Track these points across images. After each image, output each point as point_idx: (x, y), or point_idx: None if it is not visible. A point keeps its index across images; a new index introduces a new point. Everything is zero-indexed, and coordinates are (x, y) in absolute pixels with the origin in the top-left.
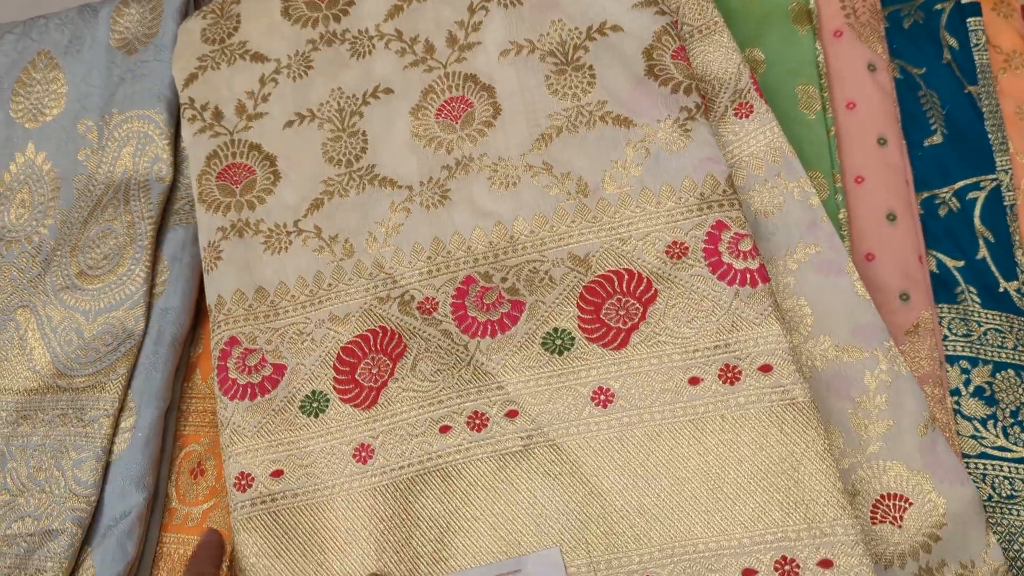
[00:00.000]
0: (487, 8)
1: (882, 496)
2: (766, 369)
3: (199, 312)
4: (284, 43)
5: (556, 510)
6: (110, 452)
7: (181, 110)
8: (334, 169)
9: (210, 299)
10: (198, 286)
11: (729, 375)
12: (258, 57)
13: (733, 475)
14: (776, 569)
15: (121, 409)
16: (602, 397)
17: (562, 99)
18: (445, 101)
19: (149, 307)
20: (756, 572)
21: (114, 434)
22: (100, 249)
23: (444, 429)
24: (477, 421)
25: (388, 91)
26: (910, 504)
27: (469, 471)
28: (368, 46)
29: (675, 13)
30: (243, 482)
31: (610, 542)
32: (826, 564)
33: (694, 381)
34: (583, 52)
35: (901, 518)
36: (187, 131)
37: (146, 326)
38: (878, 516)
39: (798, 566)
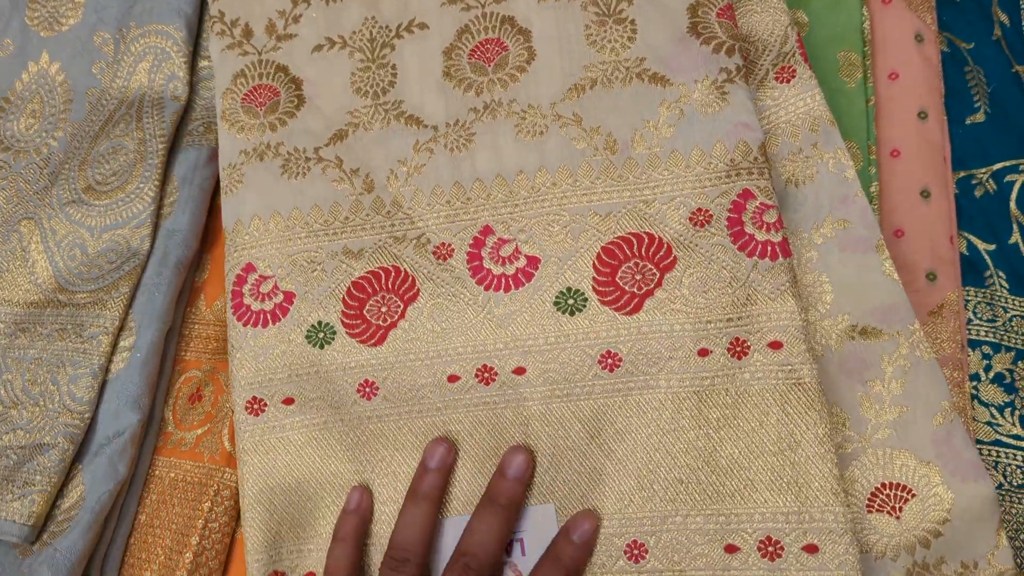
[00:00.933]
0: None
1: (883, 484)
2: (776, 346)
3: (206, 237)
4: None
5: (554, 467)
6: (107, 371)
7: (210, 23)
8: (361, 100)
9: (227, 222)
10: (208, 210)
11: (738, 349)
12: None
13: (729, 450)
14: (759, 549)
15: (121, 328)
16: (609, 361)
17: (600, 51)
18: (480, 43)
19: (156, 227)
20: (739, 549)
21: (112, 352)
22: (109, 165)
23: (452, 378)
24: (486, 374)
25: (423, 26)
26: (912, 495)
27: (471, 421)
28: None
29: None
30: (255, 407)
31: (604, 506)
32: (811, 549)
33: (703, 353)
34: (627, 4)
35: (900, 509)
36: (215, 46)
37: (151, 246)
38: (875, 505)
39: (782, 548)
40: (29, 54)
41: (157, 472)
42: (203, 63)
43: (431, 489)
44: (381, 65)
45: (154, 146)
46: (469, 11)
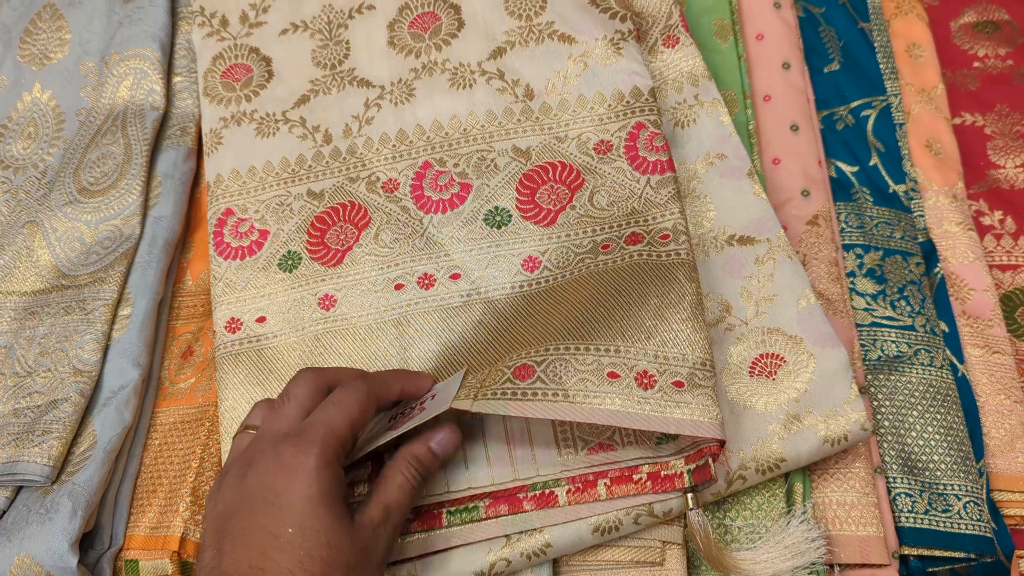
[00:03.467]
0: None
1: (761, 355)
2: (664, 237)
3: (189, 223)
4: None
5: (479, 350)
6: (109, 336)
7: (191, 16)
8: (320, 71)
9: (209, 177)
10: (188, 199)
11: (634, 239)
12: None
13: (623, 301)
14: (637, 380)
15: (119, 301)
16: (531, 264)
17: (517, 19)
18: (417, 16)
19: (144, 216)
20: (619, 377)
21: (113, 320)
22: (100, 168)
23: (398, 287)
24: (426, 281)
25: (371, 7)
26: (784, 361)
27: (417, 321)
28: None
29: None
30: (233, 325)
31: (506, 355)
32: (678, 385)
33: (605, 247)
34: None
35: (775, 373)
36: (197, 35)
37: (141, 232)
38: (755, 371)
39: (655, 381)
40: (23, 86)
41: (159, 420)
42: (176, 78)
43: (381, 395)
44: (337, 42)
45: (139, 148)
46: None
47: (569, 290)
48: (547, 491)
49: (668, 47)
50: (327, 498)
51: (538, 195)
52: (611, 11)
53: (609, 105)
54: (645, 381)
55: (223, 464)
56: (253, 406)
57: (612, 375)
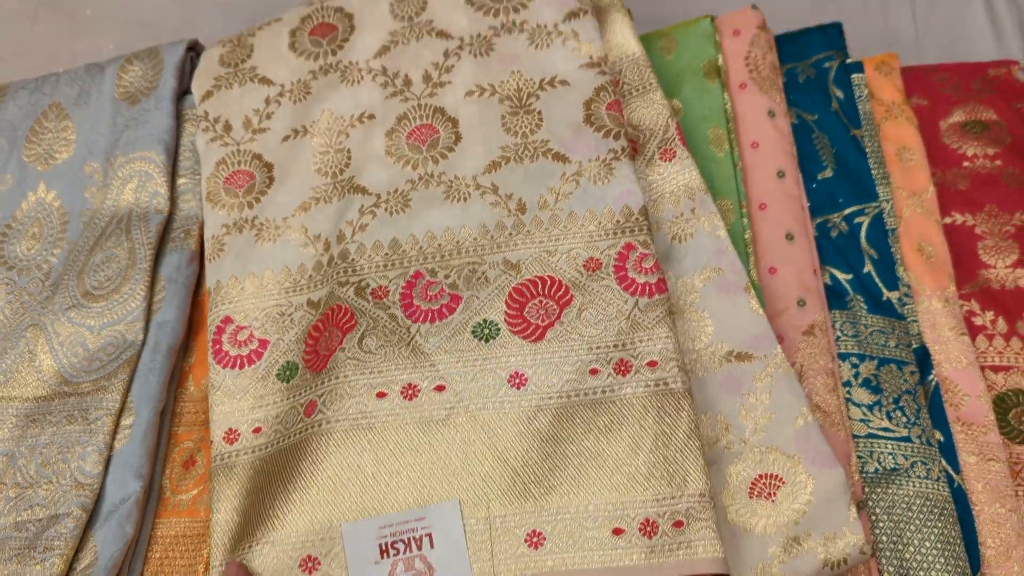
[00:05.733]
0: (460, 55)
1: (760, 475)
2: (652, 364)
3: (191, 326)
4: (288, 71)
5: (466, 471)
6: (111, 447)
7: (196, 121)
8: (322, 179)
9: (210, 283)
10: (191, 303)
11: (622, 368)
12: (265, 81)
13: (615, 450)
14: (640, 529)
15: (122, 410)
16: (517, 380)
17: (513, 135)
18: (416, 127)
19: (148, 321)
20: (623, 531)
21: (115, 431)
22: (104, 272)
23: (380, 395)
24: (410, 391)
25: (371, 117)
26: (783, 483)
27: (397, 432)
28: (357, 76)
29: (617, 74)
30: (231, 436)
31: (507, 502)
32: (678, 525)
33: (594, 372)
34: (535, 99)
35: (774, 494)
36: (201, 140)
37: (145, 337)
38: (755, 492)
39: (658, 527)
40: (28, 185)
41: (159, 532)
42: (181, 180)
43: None
44: (338, 150)
45: (143, 253)
46: (407, 102)
47: (562, 426)
48: None
49: (665, 160)
50: None
51: (527, 310)
52: (605, 129)
53: (599, 223)
54: (648, 529)
55: None
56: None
57: (617, 531)
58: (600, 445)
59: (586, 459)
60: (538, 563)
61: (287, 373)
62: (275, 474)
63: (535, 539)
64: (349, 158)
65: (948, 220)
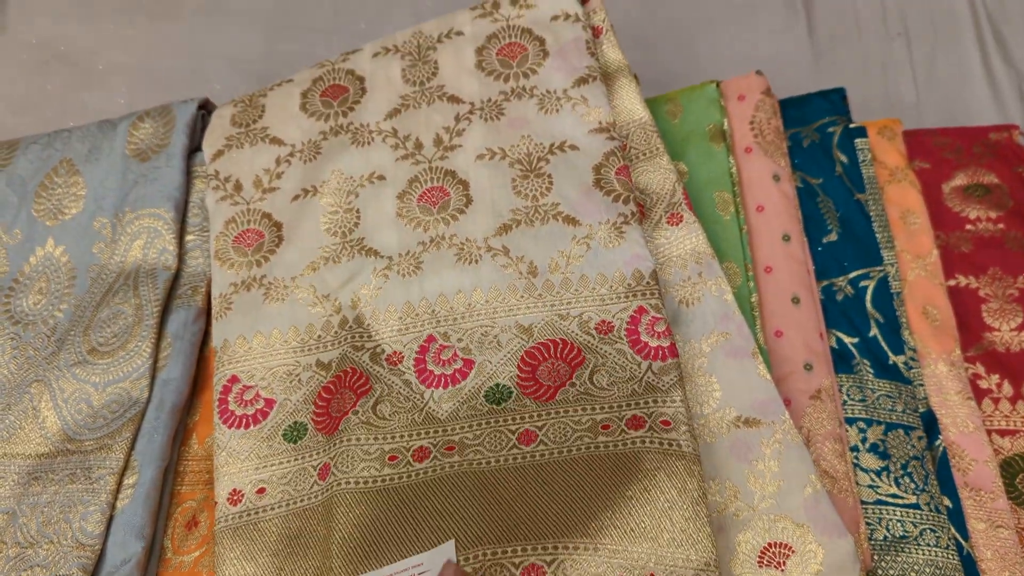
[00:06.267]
0: (471, 119)
1: (769, 544)
2: (665, 424)
3: (196, 383)
4: (299, 132)
5: (468, 516)
6: (114, 506)
7: (206, 180)
8: (331, 239)
9: (216, 343)
10: (196, 360)
11: (635, 423)
12: (276, 141)
13: (627, 495)
14: None
15: (125, 468)
16: (527, 438)
17: (523, 198)
18: (427, 189)
19: (153, 378)
20: None
21: (118, 490)
22: (110, 328)
23: (392, 458)
24: (420, 454)
25: (381, 178)
26: (793, 552)
27: (406, 490)
28: (368, 138)
29: (625, 139)
30: (235, 497)
31: (505, 542)
32: None
33: (605, 427)
34: (544, 163)
35: (784, 563)
36: (211, 199)
37: (150, 395)
38: (764, 560)
39: None
40: (36, 240)
41: None
42: (189, 236)
43: None
44: (348, 210)
45: (149, 310)
46: (418, 165)
47: (569, 471)
48: None
49: (672, 224)
50: None
51: (539, 372)
52: (615, 193)
53: (611, 286)
54: None
55: None
56: None
57: None
58: (604, 493)
59: (594, 502)
60: None
61: (294, 433)
62: (285, 536)
63: (533, 573)
64: (359, 218)
65: (952, 283)
